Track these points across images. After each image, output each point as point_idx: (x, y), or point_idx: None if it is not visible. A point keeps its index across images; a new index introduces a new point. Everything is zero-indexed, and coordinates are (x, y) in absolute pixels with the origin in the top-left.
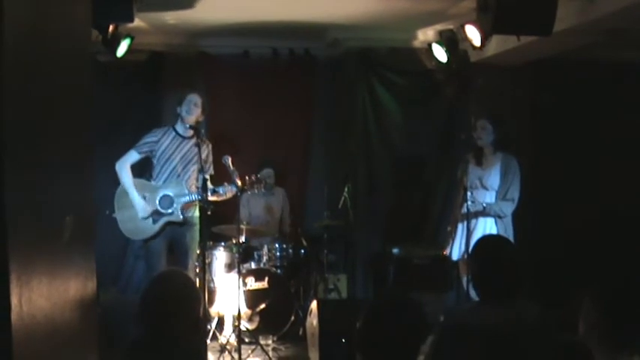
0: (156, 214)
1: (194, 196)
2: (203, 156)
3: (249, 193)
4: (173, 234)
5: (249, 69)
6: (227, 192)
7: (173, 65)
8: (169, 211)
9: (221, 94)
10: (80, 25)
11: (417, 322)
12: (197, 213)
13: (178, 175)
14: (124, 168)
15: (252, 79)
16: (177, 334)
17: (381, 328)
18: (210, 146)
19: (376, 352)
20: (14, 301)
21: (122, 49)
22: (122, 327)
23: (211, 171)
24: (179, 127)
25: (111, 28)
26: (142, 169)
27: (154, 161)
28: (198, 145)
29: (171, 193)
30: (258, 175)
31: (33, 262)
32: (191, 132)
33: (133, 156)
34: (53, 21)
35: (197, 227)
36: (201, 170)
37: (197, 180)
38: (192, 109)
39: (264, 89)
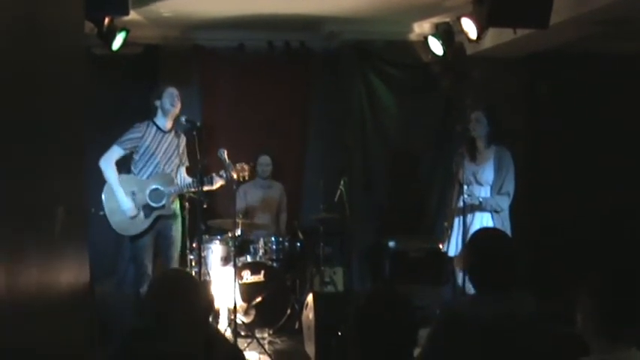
0: (147, 209)
1: (181, 188)
2: (180, 149)
3: (245, 183)
4: (161, 227)
5: (244, 62)
6: (215, 182)
7: (169, 58)
8: (161, 204)
9: (217, 87)
10: (73, 18)
11: (406, 317)
12: (178, 204)
13: (162, 170)
14: (109, 166)
15: (248, 72)
16: (176, 329)
17: (371, 324)
18: (184, 139)
19: (371, 348)
20: (3, 293)
21: (118, 42)
22: (117, 320)
23: (187, 163)
24: (159, 121)
25: (106, 21)
26: (119, 164)
27: (136, 157)
28: (177, 138)
29: (160, 187)
30: (255, 163)
31: (23, 254)
32: (169, 126)
33: (117, 152)
34: (46, 13)
35: (179, 219)
36: (180, 163)
37: (177, 173)
38: (176, 102)
39: (260, 82)
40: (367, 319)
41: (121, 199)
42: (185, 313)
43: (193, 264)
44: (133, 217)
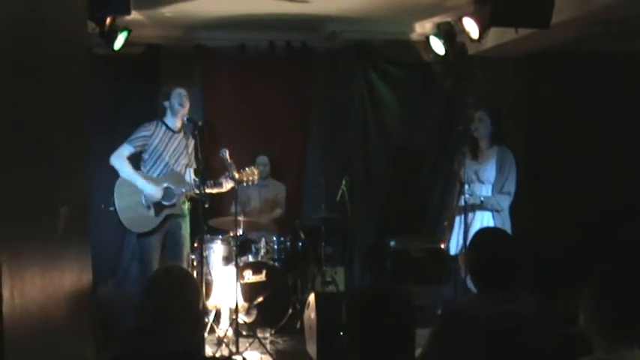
0: (158, 207)
1: (192, 188)
2: (189, 150)
3: (244, 185)
4: (170, 226)
5: (246, 62)
6: (225, 184)
7: (170, 58)
8: (172, 202)
9: (218, 87)
10: (76, 18)
11: (402, 314)
12: (186, 204)
13: (171, 170)
14: (122, 161)
15: (249, 72)
16: (177, 328)
17: (365, 320)
18: (193, 140)
19: (367, 346)
20: (6, 293)
21: (119, 42)
22: (120, 319)
23: (194, 164)
24: (169, 121)
25: (108, 20)
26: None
27: (145, 156)
28: (186, 139)
29: (171, 186)
30: (254, 165)
31: (26, 254)
32: (179, 126)
33: (127, 150)
34: (48, 13)
35: (188, 218)
36: (189, 164)
37: (185, 173)
38: (185, 102)
39: (261, 82)
40: (357, 319)
41: (143, 185)
42: (185, 311)
43: (195, 264)
44: (159, 200)
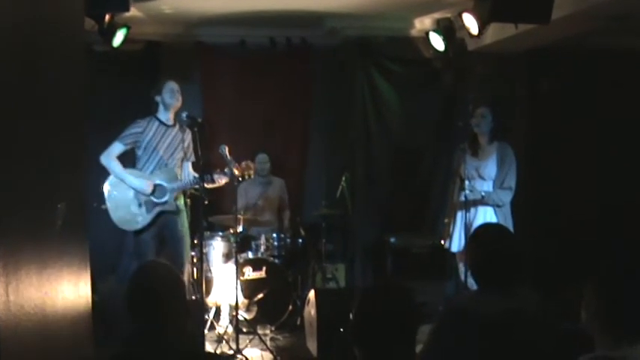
0: (149, 204)
1: (185, 184)
2: (185, 144)
3: (245, 181)
4: (165, 223)
5: (246, 58)
6: (217, 179)
7: (170, 55)
8: (163, 200)
9: (218, 84)
10: (73, 14)
11: (408, 310)
12: (182, 200)
13: (165, 165)
14: (111, 160)
15: (250, 69)
16: (167, 322)
17: (372, 316)
18: (190, 134)
19: (371, 341)
20: (0, 290)
21: (118, 39)
22: (120, 316)
23: (193, 158)
24: (161, 116)
25: (107, 17)
26: (123, 160)
27: (139, 152)
28: (182, 133)
29: (163, 183)
30: (252, 162)
31: (22, 250)
32: (173, 120)
33: (117, 148)
34: (46, 11)
35: (185, 214)
36: (185, 158)
37: (182, 168)
38: (176, 95)
39: (262, 79)
40: (365, 315)
41: (133, 182)
42: (172, 305)
43: (195, 260)
44: (150, 197)
